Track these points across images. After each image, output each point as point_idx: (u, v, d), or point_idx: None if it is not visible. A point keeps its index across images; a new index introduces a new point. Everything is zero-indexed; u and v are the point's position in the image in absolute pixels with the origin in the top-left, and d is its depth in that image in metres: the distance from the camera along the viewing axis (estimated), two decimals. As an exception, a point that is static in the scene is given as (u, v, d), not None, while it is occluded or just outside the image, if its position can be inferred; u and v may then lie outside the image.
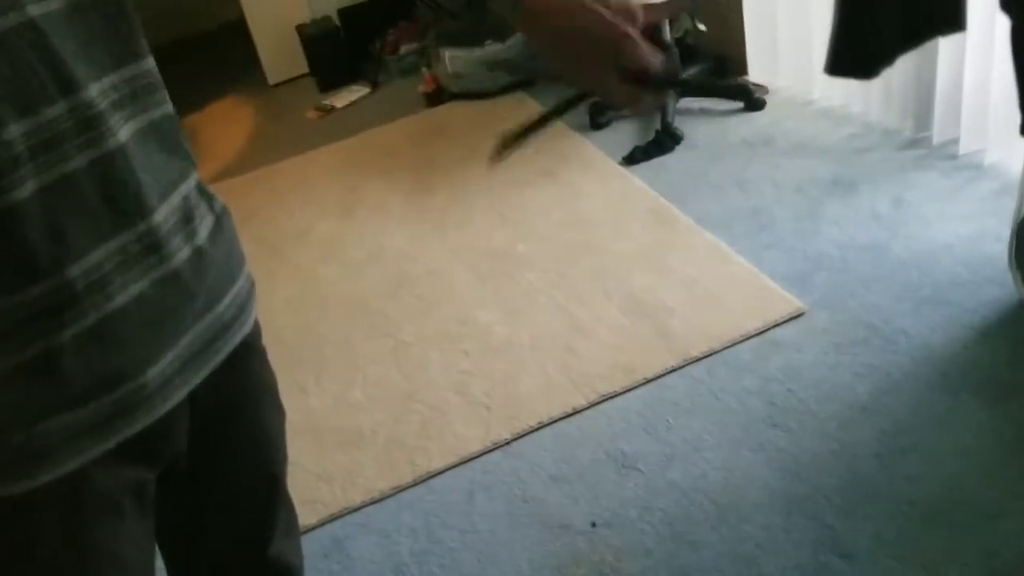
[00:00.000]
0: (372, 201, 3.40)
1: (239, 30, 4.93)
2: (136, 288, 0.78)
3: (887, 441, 1.88)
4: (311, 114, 4.44)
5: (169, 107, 0.84)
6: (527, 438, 2.12)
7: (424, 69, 4.23)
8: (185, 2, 5.70)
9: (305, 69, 4.82)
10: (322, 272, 3.01)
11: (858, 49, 1.97)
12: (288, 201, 3.57)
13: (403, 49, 4.61)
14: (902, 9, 1.92)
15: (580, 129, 3.49)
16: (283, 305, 2.84)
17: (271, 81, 4.93)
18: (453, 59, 3.98)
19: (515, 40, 3.95)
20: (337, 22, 4.76)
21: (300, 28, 4.73)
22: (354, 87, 4.59)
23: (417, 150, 3.74)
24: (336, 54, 4.67)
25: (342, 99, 4.50)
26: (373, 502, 2.04)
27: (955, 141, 2.72)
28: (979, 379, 1.96)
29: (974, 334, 2.09)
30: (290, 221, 3.40)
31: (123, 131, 0.76)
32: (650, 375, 2.20)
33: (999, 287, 2.17)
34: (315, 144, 4.04)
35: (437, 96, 4.14)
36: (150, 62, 0.81)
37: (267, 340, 1.02)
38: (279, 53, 4.84)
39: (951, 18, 1.93)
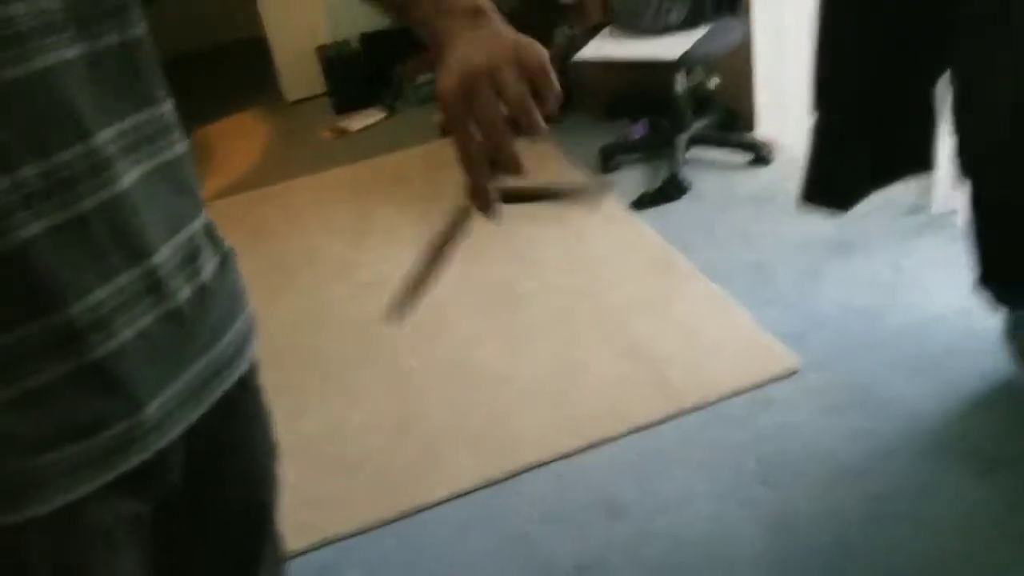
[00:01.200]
0: (382, 226, 3.44)
1: (258, 45, 5.00)
2: (138, 326, 0.79)
3: (874, 506, 1.90)
4: (326, 134, 4.50)
5: (182, 146, 0.86)
6: (520, 476, 2.15)
7: (440, 99, 4.27)
8: (205, 14, 5.77)
9: (323, 89, 4.87)
10: (327, 295, 3.05)
11: (830, 183, 2.04)
12: (299, 220, 3.61)
13: (421, 78, 4.67)
14: (871, 150, 1.99)
15: (590, 172, 3.54)
16: (285, 326, 2.87)
17: (289, 98, 4.99)
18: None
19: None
20: (358, 46, 4.81)
21: (320, 49, 4.79)
22: (370, 111, 4.65)
23: (429, 178, 3.79)
24: (355, 78, 4.73)
25: (358, 122, 4.55)
26: (364, 531, 2.06)
27: (955, 212, 2.77)
28: (969, 450, 1.99)
29: (966, 405, 2.12)
30: (300, 240, 3.44)
31: (129, 175, 0.78)
32: (643, 423, 2.23)
33: (993, 359, 2.21)
34: (328, 164, 4.08)
35: (451, 127, 4.18)
36: (167, 105, 0.83)
37: (267, 360, 1.03)
38: (298, 72, 4.91)
39: (920, 159, 2.00)
